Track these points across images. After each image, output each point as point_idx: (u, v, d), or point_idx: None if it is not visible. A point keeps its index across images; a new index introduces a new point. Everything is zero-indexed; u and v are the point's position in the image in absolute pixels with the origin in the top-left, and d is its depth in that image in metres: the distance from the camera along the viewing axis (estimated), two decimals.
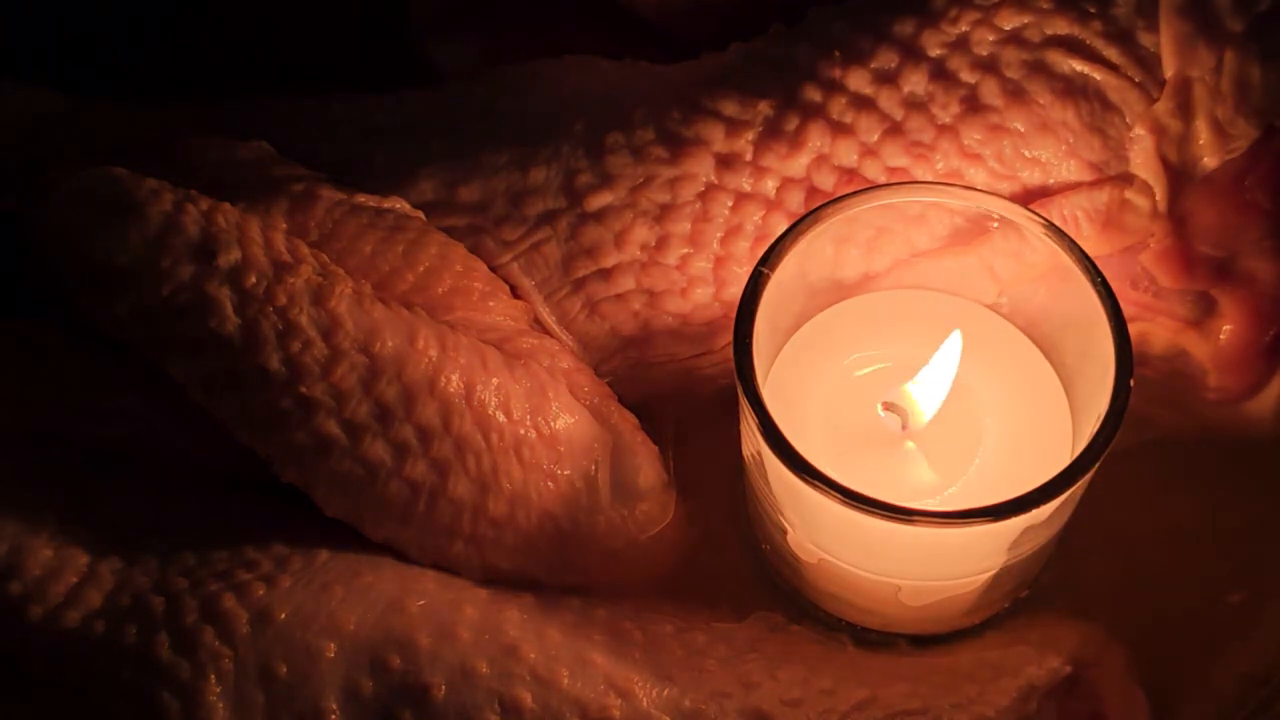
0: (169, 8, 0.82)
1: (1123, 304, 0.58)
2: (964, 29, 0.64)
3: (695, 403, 0.67)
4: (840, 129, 0.64)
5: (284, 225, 0.63)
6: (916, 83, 0.64)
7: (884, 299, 0.65)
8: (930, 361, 0.61)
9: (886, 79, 0.64)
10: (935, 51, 0.64)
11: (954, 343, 0.61)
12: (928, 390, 0.61)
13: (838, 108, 0.64)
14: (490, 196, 0.66)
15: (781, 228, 0.61)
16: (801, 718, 0.58)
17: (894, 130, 0.64)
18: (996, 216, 0.61)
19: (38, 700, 0.57)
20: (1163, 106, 0.64)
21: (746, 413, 0.57)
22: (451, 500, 0.60)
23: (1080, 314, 0.59)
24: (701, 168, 0.64)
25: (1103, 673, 0.61)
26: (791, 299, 0.62)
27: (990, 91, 0.64)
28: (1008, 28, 0.64)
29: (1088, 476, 0.56)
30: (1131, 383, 0.56)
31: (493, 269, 0.66)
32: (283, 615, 0.57)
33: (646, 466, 0.64)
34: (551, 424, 0.61)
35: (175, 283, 0.59)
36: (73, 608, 0.57)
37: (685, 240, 0.64)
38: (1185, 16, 0.63)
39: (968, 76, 0.64)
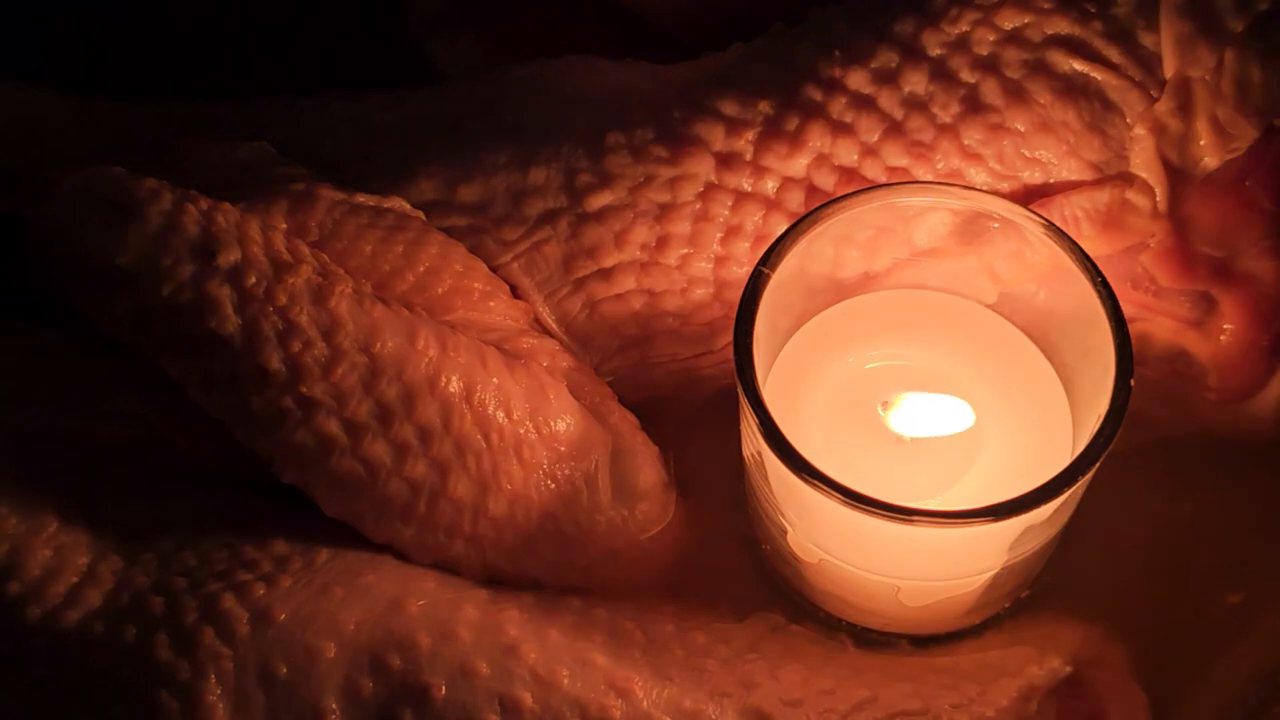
0: (169, 8, 0.82)
1: (1123, 304, 0.58)
2: (964, 29, 0.64)
3: (695, 403, 0.67)
4: (840, 129, 0.64)
5: (284, 225, 0.63)
6: (917, 82, 0.64)
7: (884, 299, 0.65)
8: (937, 403, 0.62)
9: (887, 79, 0.64)
10: (935, 51, 0.64)
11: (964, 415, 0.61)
12: (923, 414, 0.61)
13: (838, 107, 0.64)
14: (490, 196, 0.66)
15: (781, 228, 0.61)
16: (801, 718, 0.58)
17: (894, 130, 0.64)
18: (996, 216, 0.61)
19: (37, 700, 0.57)
20: (1163, 106, 0.64)
21: (746, 413, 0.57)
22: (452, 500, 0.60)
23: (1080, 314, 0.59)
24: (701, 167, 0.64)
25: (1103, 673, 0.61)
26: (791, 299, 0.62)
27: (990, 91, 0.64)
28: (1008, 27, 0.64)
29: (1088, 476, 0.56)
30: (1131, 383, 0.56)
31: (493, 269, 0.66)
32: (283, 615, 0.57)
33: (646, 466, 0.64)
34: (551, 424, 0.61)
35: (175, 282, 0.59)
36: (72, 608, 0.57)
37: (685, 240, 0.64)
38: (1186, 16, 0.63)
39: (968, 76, 0.64)
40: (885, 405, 0.62)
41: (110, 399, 0.63)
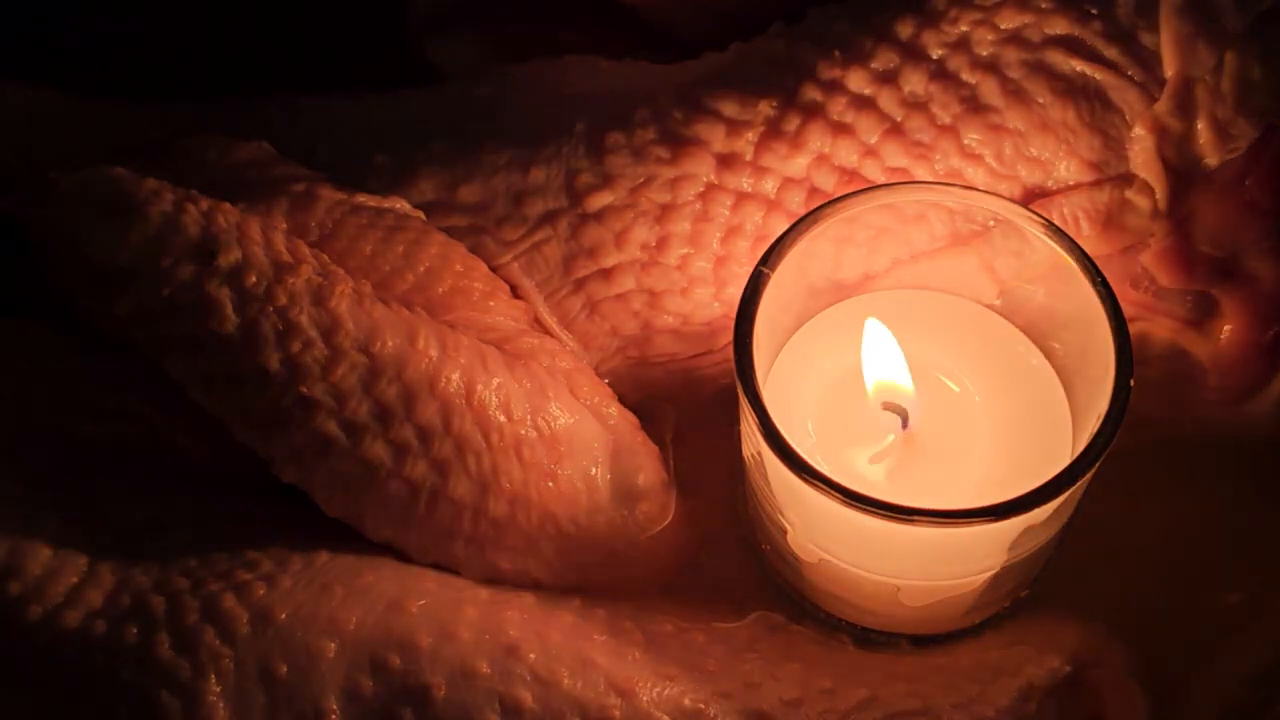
0: (169, 8, 0.82)
1: (1123, 304, 0.58)
2: (964, 29, 0.64)
3: (695, 403, 0.67)
4: (840, 129, 0.64)
5: (284, 225, 0.64)
6: (917, 83, 0.64)
7: (884, 299, 0.65)
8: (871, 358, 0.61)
9: (887, 79, 0.64)
10: (935, 52, 0.64)
11: (875, 333, 0.61)
12: (889, 371, 0.61)
13: (838, 108, 0.64)
14: (491, 196, 0.66)
15: (781, 228, 0.61)
16: (801, 718, 0.58)
17: (894, 130, 0.64)
18: (996, 216, 0.61)
19: (38, 700, 0.57)
20: (1163, 106, 0.64)
21: (746, 413, 0.57)
22: (452, 500, 0.60)
23: (1080, 314, 0.59)
24: (702, 168, 0.64)
25: (1103, 673, 0.61)
26: (791, 299, 0.62)
27: (990, 91, 0.64)
28: (1008, 28, 0.64)
29: (1088, 476, 0.56)
30: (1131, 383, 0.56)
31: (493, 269, 0.66)
32: (283, 615, 0.57)
33: (646, 466, 0.64)
34: (552, 424, 0.61)
35: (175, 283, 0.59)
36: (73, 608, 0.57)
37: (685, 240, 0.64)
38: (1185, 16, 0.63)
39: (968, 76, 0.64)
40: (885, 405, 0.62)
41: (110, 399, 0.63)
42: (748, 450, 0.61)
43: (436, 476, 0.59)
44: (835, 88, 0.64)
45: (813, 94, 0.64)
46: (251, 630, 0.56)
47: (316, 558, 0.59)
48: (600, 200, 0.65)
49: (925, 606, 0.61)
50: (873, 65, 0.64)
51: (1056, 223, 0.61)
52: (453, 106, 0.71)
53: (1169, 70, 0.64)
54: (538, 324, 0.66)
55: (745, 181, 0.64)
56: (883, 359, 0.61)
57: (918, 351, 0.63)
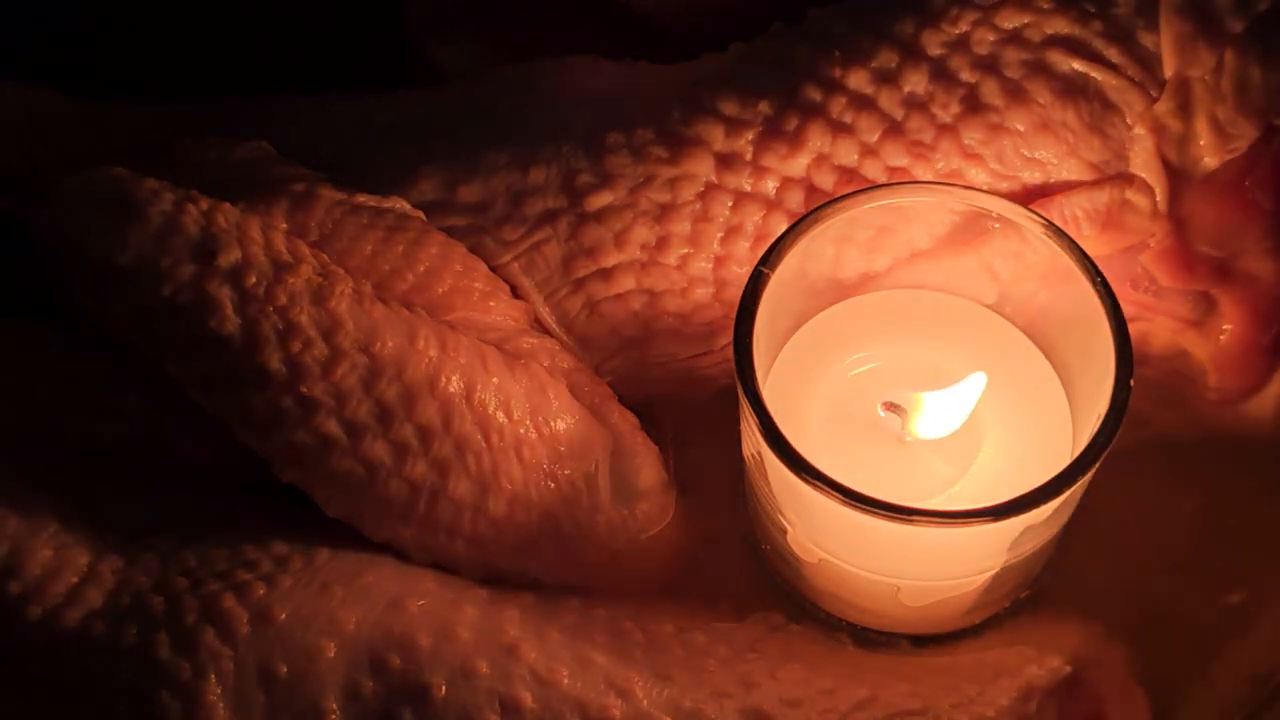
0: (169, 8, 0.82)
1: (1123, 304, 0.58)
2: (964, 29, 0.64)
3: (695, 403, 0.67)
4: (840, 129, 0.64)
5: (284, 225, 0.63)
6: (917, 82, 0.64)
7: (884, 299, 0.65)
8: (951, 390, 0.61)
9: (886, 79, 0.64)
10: (935, 51, 0.64)
11: (976, 383, 0.61)
12: (941, 414, 0.61)
13: (838, 107, 0.64)
14: (490, 196, 0.66)
15: (781, 228, 0.61)
16: (801, 718, 0.58)
17: (894, 130, 0.64)
18: (996, 216, 0.61)
19: (38, 700, 0.57)
20: (1163, 106, 0.64)
21: (746, 413, 0.57)
22: (452, 500, 0.60)
23: (1080, 314, 0.59)
24: (701, 168, 0.64)
25: (1103, 673, 0.61)
26: (791, 299, 0.62)
27: (990, 91, 0.64)
28: (1008, 27, 0.64)
29: (1088, 476, 0.56)
30: (1131, 383, 0.56)
31: (493, 269, 0.66)
32: (283, 615, 0.57)
33: (646, 466, 0.64)
34: (552, 424, 0.61)
35: (176, 282, 0.59)
36: (73, 607, 0.57)
37: (685, 240, 0.64)
38: (1185, 16, 0.63)
39: (968, 76, 0.64)
40: (886, 406, 0.62)
41: (110, 399, 0.63)
42: (748, 450, 0.61)
43: (436, 476, 0.60)
44: (835, 87, 0.64)
45: (812, 94, 0.64)
46: (251, 630, 0.56)
47: (316, 558, 0.59)
48: (600, 200, 0.65)
49: (925, 606, 0.61)
50: (873, 65, 0.64)
51: (1056, 223, 0.61)
52: (452, 106, 0.71)
53: (1169, 70, 0.64)
54: (538, 324, 0.66)
55: (745, 181, 0.64)
56: (958, 404, 0.61)
57: (918, 352, 0.64)
